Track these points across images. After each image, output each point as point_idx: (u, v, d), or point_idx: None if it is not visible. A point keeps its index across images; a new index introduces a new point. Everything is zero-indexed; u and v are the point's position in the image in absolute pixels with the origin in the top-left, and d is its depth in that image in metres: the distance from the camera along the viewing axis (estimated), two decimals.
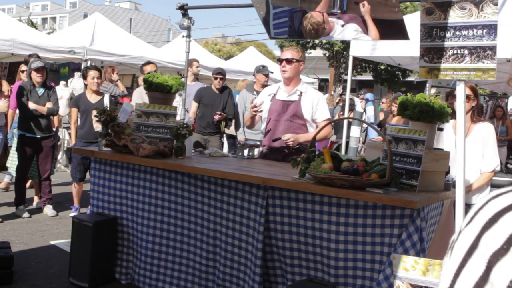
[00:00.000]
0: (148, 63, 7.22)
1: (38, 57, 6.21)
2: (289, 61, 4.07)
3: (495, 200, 0.58)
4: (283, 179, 3.10)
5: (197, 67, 7.93)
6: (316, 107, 4.12)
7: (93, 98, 6.00)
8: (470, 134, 3.76)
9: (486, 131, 3.81)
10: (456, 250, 0.59)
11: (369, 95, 9.17)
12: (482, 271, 0.54)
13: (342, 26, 3.43)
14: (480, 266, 0.55)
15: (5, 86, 5.77)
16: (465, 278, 0.56)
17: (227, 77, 12.88)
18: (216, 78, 7.02)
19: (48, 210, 6.05)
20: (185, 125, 3.87)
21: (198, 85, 7.77)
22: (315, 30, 3.51)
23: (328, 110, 4.29)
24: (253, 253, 3.26)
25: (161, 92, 4.06)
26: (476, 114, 3.89)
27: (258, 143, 4.23)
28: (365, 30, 3.38)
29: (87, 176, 5.77)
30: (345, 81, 8.46)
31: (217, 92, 7.03)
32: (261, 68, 6.90)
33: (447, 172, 3.24)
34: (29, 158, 5.92)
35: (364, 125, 8.43)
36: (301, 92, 4.13)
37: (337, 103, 11.38)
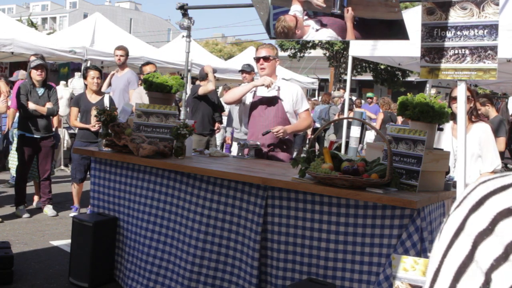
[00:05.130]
0: (148, 63, 7.23)
1: (42, 58, 6.21)
2: (266, 58, 4.30)
3: (483, 184, 0.61)
4: (283, 179, 3.09)
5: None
6: (295, 98, 4.33)
7: (93, 98, 6.01)
8: (467, 134, 3.77)
9: (483, 131, 3.83)
10: (444, 233, 0.61)
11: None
12: (468, 250, 0.56)
13: (316, 31, 3.51)
14: (466, 246, 0.57)
15: (3, 87, 5.77)
16: (452, 257, 0.58)
17: (227, 77, 12.96)
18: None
19: (48, 210, 6.05)
20: (185, 125, 3.86)
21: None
22: (285, 33, 3.63)
23: (307, 100, 4.53)
24: (248, 255, 3.25)
25: (161, 92, 4.06)
26: (475, 115, 3.91)
27: (258, 143, 4.24)
28: (343, 34, 3.45)
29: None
30: (345, 81, 8.46)
31: None
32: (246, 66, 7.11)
33: (447, 172, 3.24)
34: (29, 158, 5.92)
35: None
36: (279, 87, 4.33)
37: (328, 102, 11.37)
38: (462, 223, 0.58)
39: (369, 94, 15.63)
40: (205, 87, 6.84)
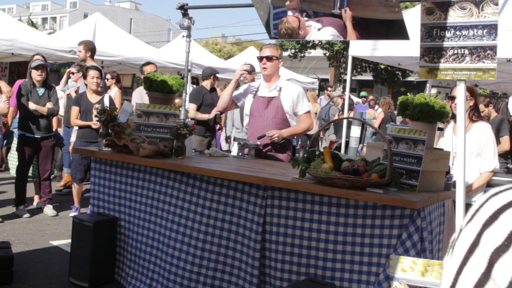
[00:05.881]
0: (148, 63, 7.23)
1: (44, 58, 6.20)
2: (269, 58, 4.27)
3: (496, 197, 0.58)
4: (283, 179, 3.09)
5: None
6: (296, 100, 4.29)
7: (93, 98, 6.01)
8: (467, 133, 3.77)
9: (483, 130, 3.84)
10: (457, 248, 0.59)
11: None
12: (484, 268, 0.54)
13: (319, 30, 3.52)
14: (482, 263, 0.55)
15: (5, 87, 5.77)
16: (467, 275, 0.56)
17: (227, 77, 12.95)
18: (212, 78, 7.13)
19: (48, 210, 6.05)
20: (185, 125, 3.86)
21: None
22: (289, 35, 3.64)
23: (308, 102, 4.49)
24: (249, 255, 3.24)
25: (161, 92, 4.06)
26: (476, 114, 3.91)
27: (258, 143, 4.24)
28: (344, 34, 3.45)
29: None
30: (345, 81, 8.46)
31: (210, 91, 7.12)
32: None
33: (447, 172, 3.24)
34: (29, 158, 5.92)
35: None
36: (280, 88, 4.31)
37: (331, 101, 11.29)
38: (476, 239, 0.56)
39: (363, 93, 15.13)
40: (194, 114, 6.81)
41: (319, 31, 3.54)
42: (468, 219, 0.60)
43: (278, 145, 4.30)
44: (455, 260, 0.58)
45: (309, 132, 8.62)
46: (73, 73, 7.33)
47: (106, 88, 7.14)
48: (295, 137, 8.14)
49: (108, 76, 7.91)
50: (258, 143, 4.23)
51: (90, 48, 6.97)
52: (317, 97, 12.94)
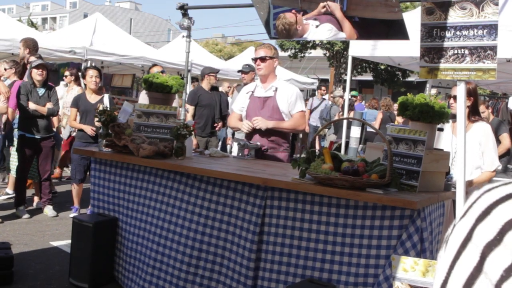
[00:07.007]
0: (154, 65, 7.25)
1: (41, 57, 6.20)
2: (263, 59, 4.31)
3: (488, 193, 0.60)
4: (283, 180, 3.09)
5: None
6: (291, 100, 4.31)
7: (92, 98, 5.99)
8: (466, 133, 3.77)
9: (483, 130, 3.83)
10: (450, 243, 0.60)
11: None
12: (476, 261, 0.56)
13: (316, 27, 3.52)
14: (474, 257, 0.56)
15: (3, 88, 5.76)
16: (460, 269, 0.57)
17: (228, 77, 12.96)
18: (211, 76, 7.12)
19: (48, 210, 6.05)
20: (185, 126, 3.86)
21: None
22: (287, 31, 3.65)
23: (303, 103, 4.50)
24: (244, 256, 3.23)
25: (161, 92, 4.06)
26: (475, 115, 3.90)
27: (258, 143, 4.24)
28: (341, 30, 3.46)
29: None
30: (345, 81, 8.47)
31: (209, 91, 7.09)
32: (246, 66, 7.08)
33: (448, 173, 3.24)
34: (29, 158, 5.92)
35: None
36: (276, 88, 4.33)
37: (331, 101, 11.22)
38: (469, 234, 0.57)
39: (353, 93, 14.77)
40: None
41: (317, 28, 3.53)
42: (462, 214, 0.61)
43: (280, 146, 4.31)
44: (448, 255, 0.60)
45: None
46: (5, 69, 7.13)
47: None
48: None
49: (67, 73, 7.65)
50: (258, 143, 4.24)
51: (28, 44, 6.76)
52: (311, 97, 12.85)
